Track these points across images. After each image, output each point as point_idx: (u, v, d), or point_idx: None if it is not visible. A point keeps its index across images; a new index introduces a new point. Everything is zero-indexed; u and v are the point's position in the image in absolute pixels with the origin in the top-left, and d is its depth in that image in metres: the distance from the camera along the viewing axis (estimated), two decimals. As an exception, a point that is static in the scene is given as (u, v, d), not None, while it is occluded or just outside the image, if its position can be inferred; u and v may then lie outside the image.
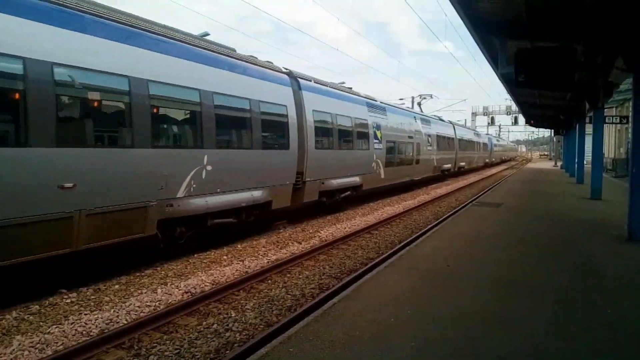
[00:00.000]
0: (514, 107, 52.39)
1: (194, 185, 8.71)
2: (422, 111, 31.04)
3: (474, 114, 73.64)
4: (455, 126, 34.02)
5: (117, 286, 7.10)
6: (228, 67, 10.06)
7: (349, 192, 15.60)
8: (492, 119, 72.52)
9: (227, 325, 5.79)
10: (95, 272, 7.58)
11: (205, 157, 8.99)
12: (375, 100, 18.91)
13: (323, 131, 14.00)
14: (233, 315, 6.14)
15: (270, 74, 11.75)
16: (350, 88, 17.52)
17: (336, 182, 14.53)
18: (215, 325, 5.78)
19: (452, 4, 8.63)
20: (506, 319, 5.22)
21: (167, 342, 5.33)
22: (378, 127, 17.87)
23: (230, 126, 10.27)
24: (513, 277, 6.88)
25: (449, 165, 30.43)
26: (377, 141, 17.64)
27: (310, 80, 13.92)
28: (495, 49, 11.74)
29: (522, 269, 7.32)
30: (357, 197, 16.68)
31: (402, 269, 7.26)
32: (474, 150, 40.62)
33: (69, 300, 6.45)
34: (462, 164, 34.94)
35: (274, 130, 11.72)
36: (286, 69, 12.86)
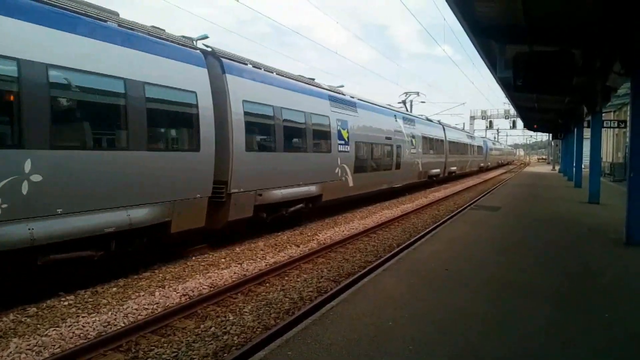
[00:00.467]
0: (513, 111, 52.49)
1: (4, 206, 5.92)
2: (407, 110, 28.25)
3: (473, 118, 73.84)
4: (445, 127, 31.24)
5: (114, 289, 7.09)
6: (88, 32, 7.11)
7: (301, 205, 12.75)
8: (491, 122, 72.76)
9: (225, 328, 5.79)
10: (93, 274, 7.56)
11: (29, 163, 6.17)
12: (343, 95, 16.10)
13: (261, 128, 11.31)
14: (231, 318, 6.13)
15: (174, 49, 8.79)
16: (314, 79, 14.77)
17: (281, 193, 11.65)
18: (213, 328, 5.78)
19: (451, 8, 8.66)
20: (505, 322, 5.23)
21: (165, 345, 5.32)
22: (344, 125, 15.02)
23: (84, 117, 7.30)
24: (512, 280, 6.88)
25: (438, 170, 27.72)
26: (342, 142, 14.80)
27: (246, 64, 11.04)
28: (493, 53, 11.77)
29: (521, 272, 7.33)
30: (317, 210, 14.05)
31: (400, 272, 7.26)
32: (467, 154, 37.96)
33: (66, 303, 6.43)
34: (453, 168, 32.20)
35: (173, 124, 9.11)
36: (208, 47, 10.12)
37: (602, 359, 4.47)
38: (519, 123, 59.62)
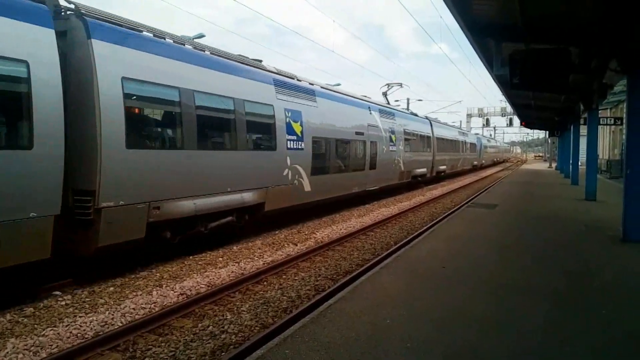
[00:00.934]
0: (509, 108, 52.59)
1: None
2: (388, 102, 25.68)
3: (469, 116, 74.05)
4: (433, 122, 28.78)
5: (112, 288, 7.07)
6: None
7: (230, 218, 10.06)
8: (487, 120, 72.97)
9: (223, 327, 5.78)
10: (90, 274, 7.55)
11: None
12: (299, 80, 13.45)
13: (157, 118, 8.80)
14: (229, 317, 6.13)
15: None
16: (261, 61, 12.17)
17: (195, 205, 8.86)
18: (210, 327, 5.77)
19: (448, 7, 8.66)
20: (503, 320, 5.24)
21: (163, 344, 5.31)
22: (296, 117, 12.35)
23: None
24: (509, 278, 6.90)
25: (424, 170, 25.11)
26: (294, 137, 12.17)
27: (141, 31, 8.37)
28: (490, 51, 11.78)
29: (518, 270, 7.35)
30: (260, 221, 11.50)
31: (397, 270, 7.27)
32: (458, 152, 35.39)
33: (63, 303, 6.41)
34: (442, 167, 29.76)
35: None
36: (71, 3, 7.40)
37: (600, 356, 4.49)
38: (516, 121, 59.71)
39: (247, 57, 11.63)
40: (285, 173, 11.87)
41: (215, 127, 9.90)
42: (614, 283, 6.81)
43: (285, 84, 12.36)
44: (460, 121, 67.16)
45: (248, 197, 10.50)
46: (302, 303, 6.62)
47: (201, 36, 10.59)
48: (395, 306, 5.58)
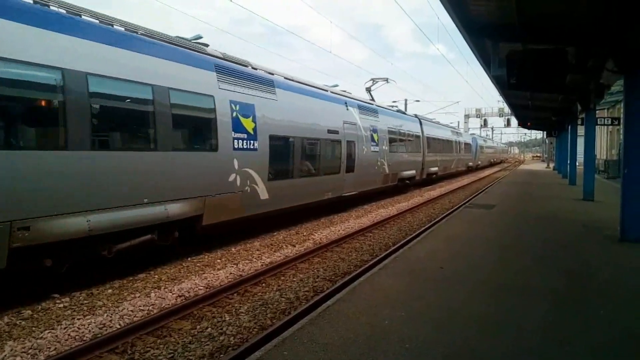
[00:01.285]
0: (507, 109, 52.70)
1: None
2: (372, 98, 23.10)
3: (467, 116, 74.26)
4: (423, 121, 26.65)
5: (110, 290, 7.06)
6: None
7: (149, 237, 8.05)
8: (485, 121, 73.18)
9: (221, 329, 5.77)
10: (89, 276, 7.53)
11: None
12: (254, 69, 11.52)
13: (26, 107, 6.51)
14: (227, 318, 6.12)
15: None
16: (207, 45, 10.50)
17: (88, 222, 6.76)
18: (209, 329, 5.76)
19: (445, 7, 8.68)
20: (502, 320, 5.24)
21: (161, 346, 5.30)
22: (247, 111, 10.27)
23: None
24: (508, 278, 6.90)
25: (413, 172, 23.16)
26: (243, 136, 10.09)
27: None
28: (487, 51, 11.81)
29: (517, 270, 7.36)
30: (199, 235, 9.36)
31: (396, 271, 7.27)
32: (451, 152, 33.61)
33: (61, 305, 6.39)
34: (434, 169, 27.79)
35: None
36: None
37: (600, 356, 4.49)
38: (514, 121, 59.88)
39: (188, 40, 9.94)
40: (231, 179, 9.77)
41: (121, 122, 7.83)
42: (613, 283, 6.82)
43: (232, 72, 10.17)
44: (458, 122, 67.33)
45: (176, 209, 8.35)
46: (301, 304, 6.61)
47: (199, 37, 10.49)
48: (394, 307, 5.57)
